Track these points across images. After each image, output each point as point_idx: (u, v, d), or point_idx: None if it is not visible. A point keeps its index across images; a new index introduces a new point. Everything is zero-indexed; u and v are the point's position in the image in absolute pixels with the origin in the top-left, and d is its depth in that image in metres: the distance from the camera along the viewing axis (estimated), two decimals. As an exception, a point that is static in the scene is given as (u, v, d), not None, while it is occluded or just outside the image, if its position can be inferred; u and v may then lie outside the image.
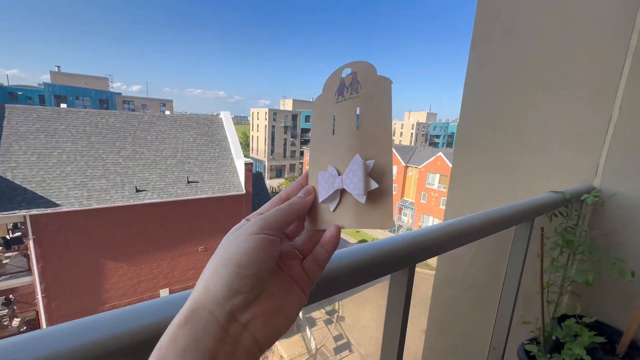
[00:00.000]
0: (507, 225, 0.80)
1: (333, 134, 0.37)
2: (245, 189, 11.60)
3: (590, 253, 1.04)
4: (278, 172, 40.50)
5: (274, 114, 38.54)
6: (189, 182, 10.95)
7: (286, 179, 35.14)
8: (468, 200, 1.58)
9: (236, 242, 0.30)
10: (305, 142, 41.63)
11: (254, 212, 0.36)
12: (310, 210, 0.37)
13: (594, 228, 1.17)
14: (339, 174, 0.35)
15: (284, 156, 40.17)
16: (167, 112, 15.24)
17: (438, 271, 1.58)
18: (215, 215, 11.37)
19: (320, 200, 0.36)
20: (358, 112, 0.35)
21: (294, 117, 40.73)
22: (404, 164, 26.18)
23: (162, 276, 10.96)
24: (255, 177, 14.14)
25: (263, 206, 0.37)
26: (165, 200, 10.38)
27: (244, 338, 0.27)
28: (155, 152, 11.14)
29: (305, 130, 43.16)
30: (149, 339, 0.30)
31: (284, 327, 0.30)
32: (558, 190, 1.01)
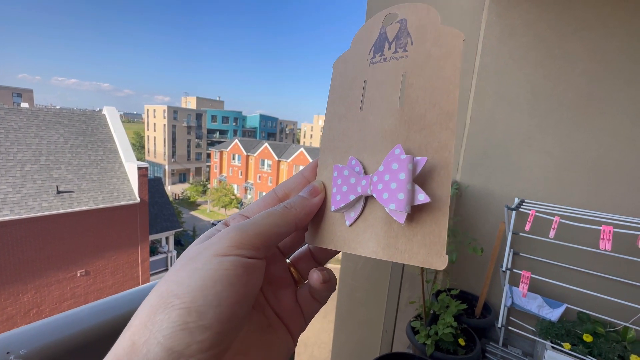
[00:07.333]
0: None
1: (361, 109, 0.25)
2: (139, 197, 10.08)
3: (454, 236, 1.25)
4: (182, 177, 36.75)
5: (174, 112, 34.78)
6: (59, 192, 8.86)
7: (191, 183, 32.12)
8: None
9: (192, 266, 0.18)
10: (212, 144, 38.99)
11: (236, 214, 0.24)
12: (316, 217, 0.25)
13: (456, 215, 1.42)
14: (366, 172, 0.24)
15: (188, 159, 36.70)
16: (25, 105, 11.90)
17: (342, 265, 1.68)
18: (100, 230, 9.51)
19: (333, 207, 0.24)
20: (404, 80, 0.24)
21: (199, 116, 37.67)
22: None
23: (21, 315, 8.55)
24: (152, 183, 12.48)
25: (249, 206, 0.25)
26: (23, 216, 8.14)
27: None
28: (4, 155, 8.62)
29: (211, 131, 40.40)
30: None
31: None
32: (430, 185, 1.19)
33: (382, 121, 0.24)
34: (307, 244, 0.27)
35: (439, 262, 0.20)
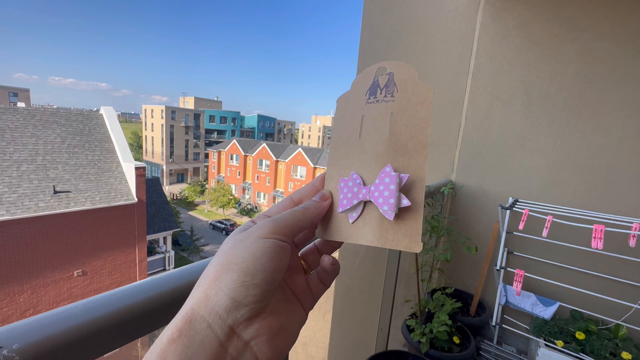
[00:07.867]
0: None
1: (360, 137, 0.33)
2: (136, 197, 10.05)
3: (449, 235, 1.26)
4: (180, 177, 36.61)
5: (172, 112, 34.61)
6: (56, 192, 8.82)
7: (189, 183, 31.95)
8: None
9: (242, 245, 0.26)
10: (210, 144, 38.84)
11: (261, 214, 0.32)
12: (325, 217, 0.33)
13: (451, 214, 1.43)
14: (364, 184, 0.31)
15: (186, 159, 36.56)
16: (21, 104, 11.82)
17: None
18: (97, 230, 9.47)
19: (340, 209, 0.32)
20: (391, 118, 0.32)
21: (197, 116, 37.52)
22: (312, 165, 27.43)
23: (17, 315, 8.49)
24: (150, 183, 12.43)
25: (271, 208, 0.33)
26: (20, 217, 8.10)
27: (245, 358, 0.24)
28: (0, 155, 8.57)
29: (209, 131, 40.24)
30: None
31: (287, 347, 0.27)
32: (426, 185, 1.20)
33: (376, 147, 0.32)
34: (313, 242, 0.35)
35: (417, 247, 0.28)
